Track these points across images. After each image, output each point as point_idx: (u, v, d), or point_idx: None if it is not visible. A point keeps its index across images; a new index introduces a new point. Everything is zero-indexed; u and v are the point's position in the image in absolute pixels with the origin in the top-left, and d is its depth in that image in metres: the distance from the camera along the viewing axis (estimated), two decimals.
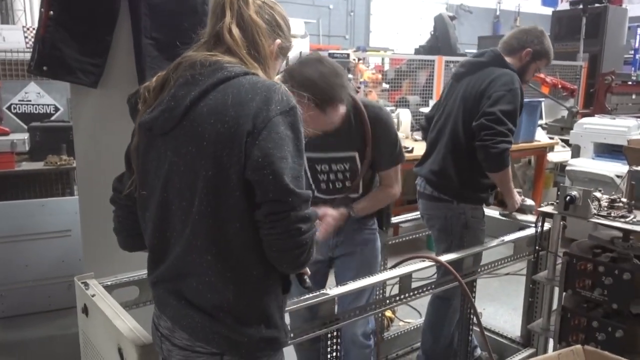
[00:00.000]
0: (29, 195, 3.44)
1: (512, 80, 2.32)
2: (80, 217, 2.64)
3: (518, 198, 2.49)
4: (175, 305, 1.19)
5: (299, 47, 4.02)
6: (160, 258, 1.22)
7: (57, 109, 4.04)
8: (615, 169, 4.32)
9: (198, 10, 2.35)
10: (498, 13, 17.24)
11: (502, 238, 2.35)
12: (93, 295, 1.63)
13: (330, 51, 3.93)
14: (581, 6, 6.89)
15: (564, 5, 15.93)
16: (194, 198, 1.13)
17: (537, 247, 2.27)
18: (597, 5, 7.02)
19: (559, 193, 2.00)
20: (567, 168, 4.66)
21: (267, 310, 1.19)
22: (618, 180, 4.19)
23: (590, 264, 1.93)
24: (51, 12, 2.17)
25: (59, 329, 3.18)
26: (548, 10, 17.01)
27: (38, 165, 3.46)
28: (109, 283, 1.77)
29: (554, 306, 2.19)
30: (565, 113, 5.97)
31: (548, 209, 2.11)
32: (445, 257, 2.11)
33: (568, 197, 1.95)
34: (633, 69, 9.07)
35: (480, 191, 2.44)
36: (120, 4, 2.25)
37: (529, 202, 2.58)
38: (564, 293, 2.05)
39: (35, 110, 3.94)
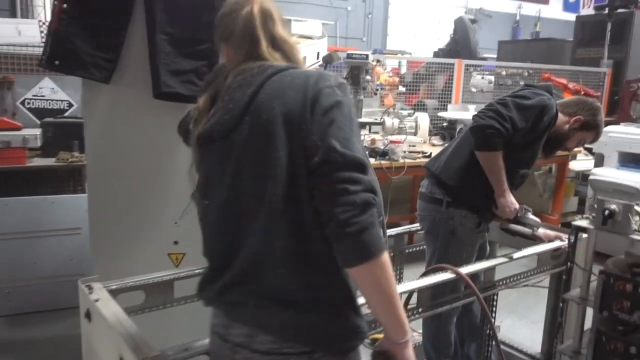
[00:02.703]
0: (40, 192, 3.39)
1: (545, 97, 2.26)
2: (89, 215, 2.59)
3: (512, 201, 2.30)
4: (256, 307, 1.16)
5: (317, 49, 3.94)
6: (227, 264, 1.20)
7: (71, 105, 4.00)
8: None
9: (215, 6, 2.27)
10: (518, 18, 17.00)
11: (527, 250, 2.23)
12: (96, 300, 1.55)
13: (349, 52, 3.83)
14: (607, 11, 6.71)
15: (586, 11, 15.71)
16: (267, 184, 1.12)
17: (568, 264, 2.14)
18: (623, 10, 6.83)
19: (595, 206, 1.88)
20: (591, 177, 4.51)
21: (353, 296, 1.17)
22: None
23: (630, 285, 1.78)
24: (65, 5, 2.11)
25: (66, 328, 3.12)
26: (570, 16, 16.76)
27: (49, 162, 3.41)
28: (114, 287, 1.69)
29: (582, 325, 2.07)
30: None
31: (583, 223, 1.98)
32: (466, 269, 2.00)
33: (607, 212, 1.81)
34: None
35: (475, 196, 2.31)
36: None
37: (532, 217, 2.40)
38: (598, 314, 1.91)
39: (49, 105, 3.90)
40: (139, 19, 2.25)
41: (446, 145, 2.57)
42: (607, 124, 5.54)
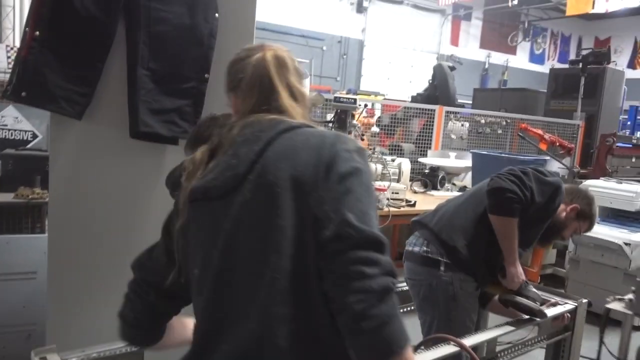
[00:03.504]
0: None
1: (560, 180, 2.23)
2: (48, 259, 2.33)
3: (521, 271, 2.16)
4: None
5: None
6: (212, 347, 0.98)
7: (35, 136, 3.74)
8: (622, 235, 4.13)
9: (204, 43, 2.13)
10: (487, 66, 17.50)
11: (531, 319, 2.07)
12: None
13: (336, 95, 3.71)
14: (580, 65, 6.87)
15: (550, 63, 16.31)
16: (270, 258, 0.96)
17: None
18: (595, 66, 7.01)
19: (634, 289, 1.71)
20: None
21: None
22: (627, 249, 4.00)
23: None
24: (37, 33, 1.91)
25: None
26: (534, 67, 17.42)
27: (7, 197, 3.12)
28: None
29: None
30: (564, 172, 5.83)
31: (617, 306, 1.80)
32: (469, 341, 1.83)
33: None
34: (629, 131, 9.08)
35: (478, 260, 2.14)
36: (116, 28, 2.00)
37: (534, 290, 2.20)
38: None
39: (11, 135, 3.63)
40: (118, 50, 2.06)
41: (444, 201, 2.42)
42: (583, 176, 5.58)
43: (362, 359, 0.93)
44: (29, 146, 3.65)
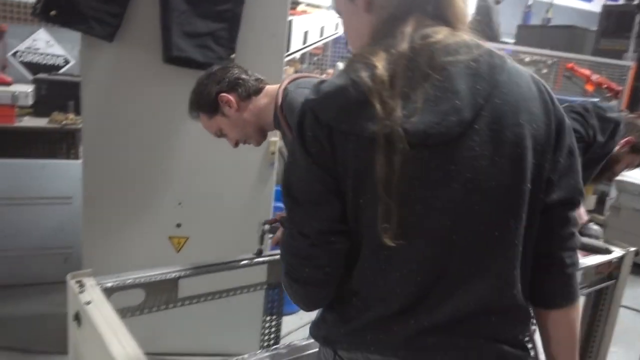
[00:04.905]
0: (29, 155, 3.11)
1: (622, 115, 2.15)
2: (83, 184, 2.33)
3: (583, 211, 2.12)
4: (466, 349, 0.91)
5: (332, 19, 3.62)
6: (420, 305, 0.89)
7: (67, 62, 3.69)
8: None
9: None
10: (530, 3, 16.59)
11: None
12: (87, 303, 1.30)
13: None
14: (636, 1, 6.40)
15: (597, 1, 15.32)
16: (509, 220, 0.88)
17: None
18: None
19: None
20: (617, 178, 4.29)
21: None
22: None
23: None
24: None
25: (50, 305, 2.88)
26: (582, 4, 16.39)
27: (41, 122, 3.12)
28: (109, 284, 1.43)
29: None
30: None
31: None
32: None
33: None
34: None
35: None
36: None
37: (596, 227, 2.19)
38: None
39: (43, 60, 3.59)
40: None
41: None
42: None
43: (555, 301, 0.99)
44: (61, 71, 3.61)
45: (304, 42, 3.17)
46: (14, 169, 2.95)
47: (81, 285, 1.38)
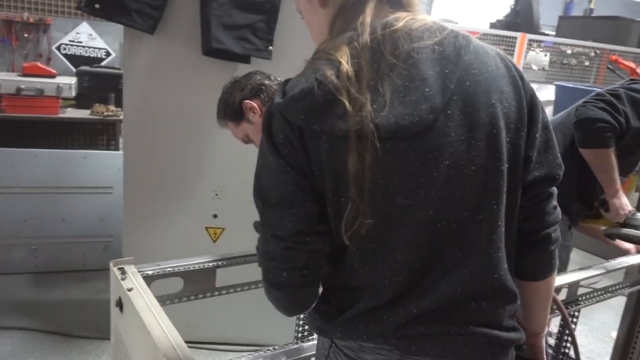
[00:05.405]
0: (71, 145, 3.20)
1: None
2: (124, 175, 2.39)
3: (626, 202, 2.02)
4: (456, 335, 0.91)
5: None
6: (409, 293, 0.90)
7: (108, 54, 3.77)
8: None
9: None
10: None
11: (619, 261, 1.93)
12: (130, 289, 1.33)
13: None
14: None
15: None
16: (491, 201, 0.89)
17: None
18: None
19: None
20: None
21: None
22: None
23: None
24: None
25: (91, 292, 2.98)
26: None
27: (83, 114, 3.21)
28: (149, 272, 1.46)
29: None
30: None
31: None
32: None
33: None
34: None
35: (570, 195, 2.01)
36: None
37: None
38: None
39: (86, 53, 3.68)
40: None
41: None
42: None
43: (539, 272, 1.02)
44: (102, 64, 3.69)
45: None
46: (58, 158, 3.04)
47: (123, 272, 1.41)
